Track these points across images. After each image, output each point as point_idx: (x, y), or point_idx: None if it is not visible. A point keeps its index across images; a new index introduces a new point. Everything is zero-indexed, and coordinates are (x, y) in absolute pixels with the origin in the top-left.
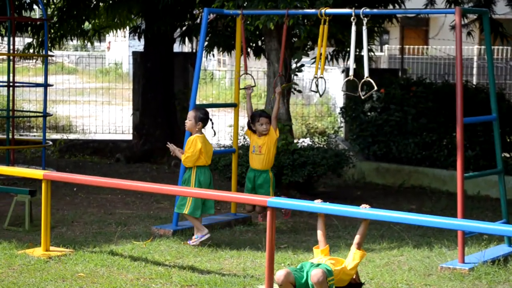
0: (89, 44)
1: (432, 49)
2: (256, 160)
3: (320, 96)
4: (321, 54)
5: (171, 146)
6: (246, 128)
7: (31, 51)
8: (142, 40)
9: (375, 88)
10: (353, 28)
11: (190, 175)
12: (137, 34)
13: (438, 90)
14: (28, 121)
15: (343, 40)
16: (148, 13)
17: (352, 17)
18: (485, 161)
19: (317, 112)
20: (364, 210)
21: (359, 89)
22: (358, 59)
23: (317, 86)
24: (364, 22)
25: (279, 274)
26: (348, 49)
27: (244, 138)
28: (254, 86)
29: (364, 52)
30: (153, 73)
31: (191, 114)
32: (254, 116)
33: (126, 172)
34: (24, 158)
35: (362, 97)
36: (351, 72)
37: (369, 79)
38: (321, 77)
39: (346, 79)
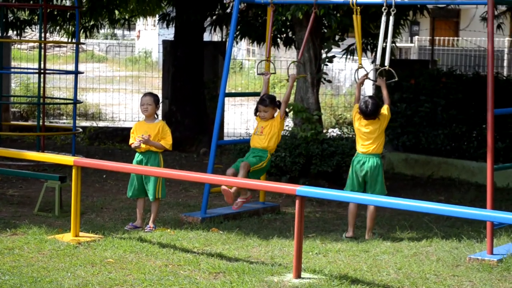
0: (119, 32)
1: (463, 41)
2: (256, 139)
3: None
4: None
5: (147, 140)
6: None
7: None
8: (172, 29)
9: (396, 78)
10: (383, 19)
11: (159, 160)
12: (166, 22)
13: (469, 81)
14: (58, 108)
15: (372, 31)
16: (179, 1)
17: (384, 7)
18: None
19: (346, 102)
20: (393, 200)
21: (375, 76)
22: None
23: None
24: (393, 13)
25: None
26: (374, 40)
27: None
28: (274, 73)
29: (388, 42)
30: (182, 61)
31: (149, 99)
32: (258, 103)
33: None
34: (54, 144)
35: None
36: (378, 61)
37: (389, 68)
38: (361, 67)
39: (375, 67)
